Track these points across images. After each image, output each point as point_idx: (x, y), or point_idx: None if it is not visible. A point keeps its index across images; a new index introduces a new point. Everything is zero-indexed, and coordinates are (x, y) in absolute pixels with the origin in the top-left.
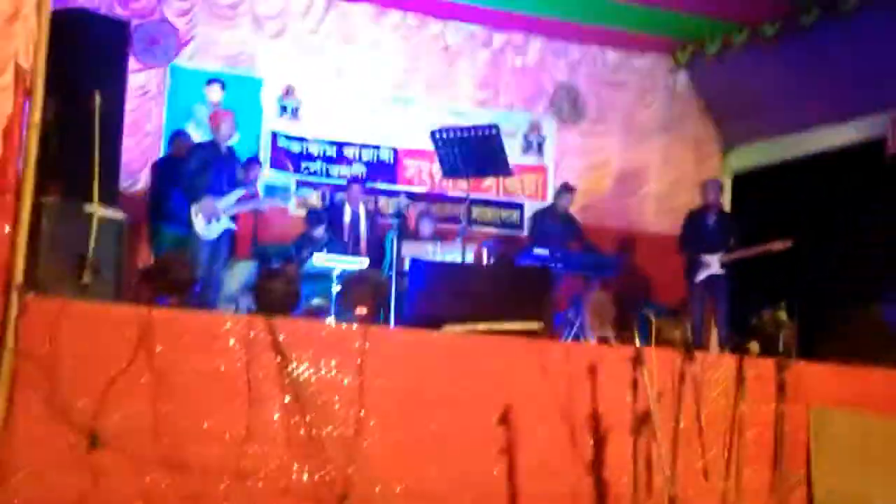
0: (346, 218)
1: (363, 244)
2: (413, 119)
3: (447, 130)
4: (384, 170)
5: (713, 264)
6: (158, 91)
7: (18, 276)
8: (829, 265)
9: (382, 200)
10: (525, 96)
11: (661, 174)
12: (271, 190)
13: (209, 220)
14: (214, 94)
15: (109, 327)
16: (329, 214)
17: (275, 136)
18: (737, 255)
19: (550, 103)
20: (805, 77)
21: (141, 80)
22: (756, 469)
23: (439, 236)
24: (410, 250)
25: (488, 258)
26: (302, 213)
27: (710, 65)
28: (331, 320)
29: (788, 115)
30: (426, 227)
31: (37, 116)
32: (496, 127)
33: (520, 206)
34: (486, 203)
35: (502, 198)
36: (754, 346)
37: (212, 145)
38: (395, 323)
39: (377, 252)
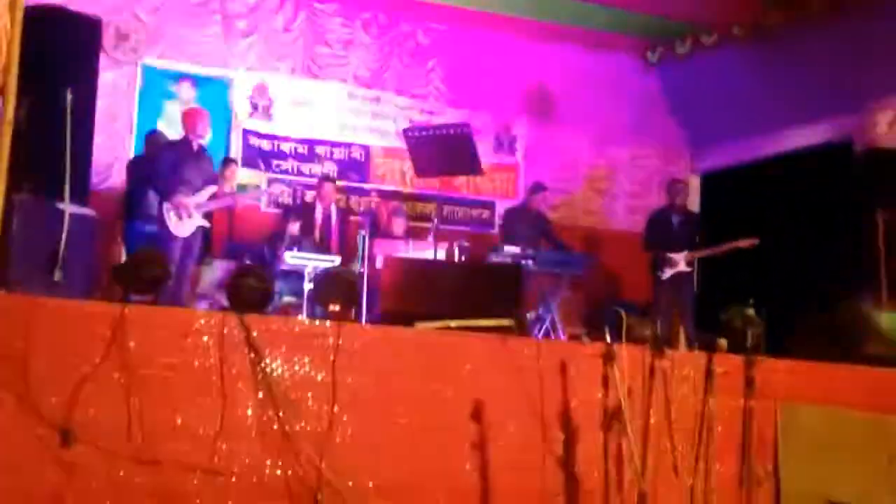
0: (318, 216)
1: (334, 242)
2: (385, 118)
3: (419, 129)
4: (355, 168)
5: (680, 262)
6: (129, 89)
7: None
8: (796, 264)
9: (354, 199)
10: (496, 96)
11: (630, 173)
12: (242, 188)
13: (181, 217)
14: (185, 92)
15: (82, 324)
16: (301, 212)
17: (246, 134)
18: (703, 253)
19: (521, 102)
20: (773, 78)
21: (111, 78)
22: (725, 464)
23: (411, 234)
24: (382, 248)
25: (460, 256)
26: (274, 210)
27: (679, 66)
28: (303, 318)
29: (757, 116)
30: (398, 226)
31: (10, 113)
32: (468, 125)
33: (491, 205)
34: (458, 202)
35: (474, 196)
36: (723, 342)
37: (184, 143)
38: (367, 320)
39: (348, 250)
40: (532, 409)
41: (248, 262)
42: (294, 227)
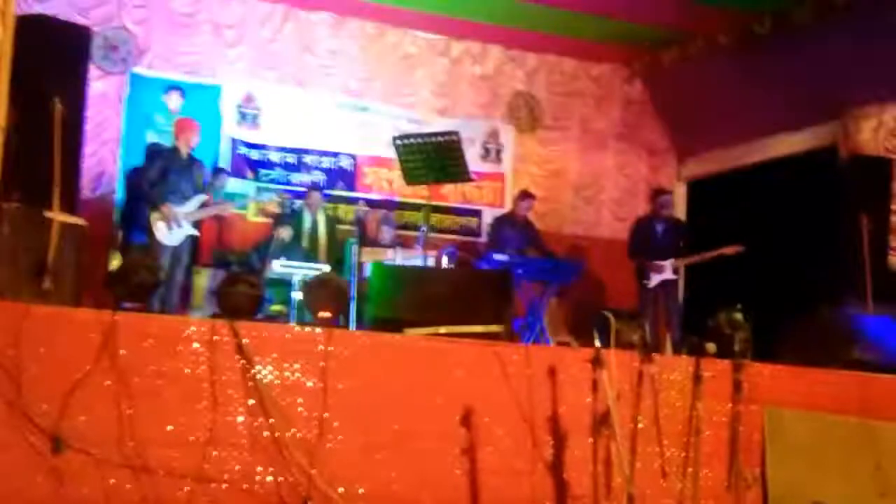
0: (306, 225)
1: (322, 251)
2: (372, 127)
3: (409, 136)
4: (343, 177)
5: (666, 269)
6: (117, 98)
7: None
8: (782, 270)
9: (342, 207)
10: (483, 104)
11: (616, 181)
12: (230, 197)
13: (170, 226)
14: (174, 101)
15: (73, 331)
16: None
17: (234, 143)
18: (689, 260)
19: (508, 111)
20: (758, 86)
21: (100, 88)
22: (712, 468)
23: (399, 243)
24: (370, 257)
25: (448, 264)
26: (261, 219)
27: (665, 74)
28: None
29: (742, 124)
30: (386, 234)
31: (1, 122)
32: (457, 133)
33: (478, 213)
34: (445, 210)
35: (461, 204)
36: (711, 346)
37: (172, 152)
38: (357, 326)
39: (337, 259)
40: (521, 415)
41: (235, 269)
42: (288, 231)
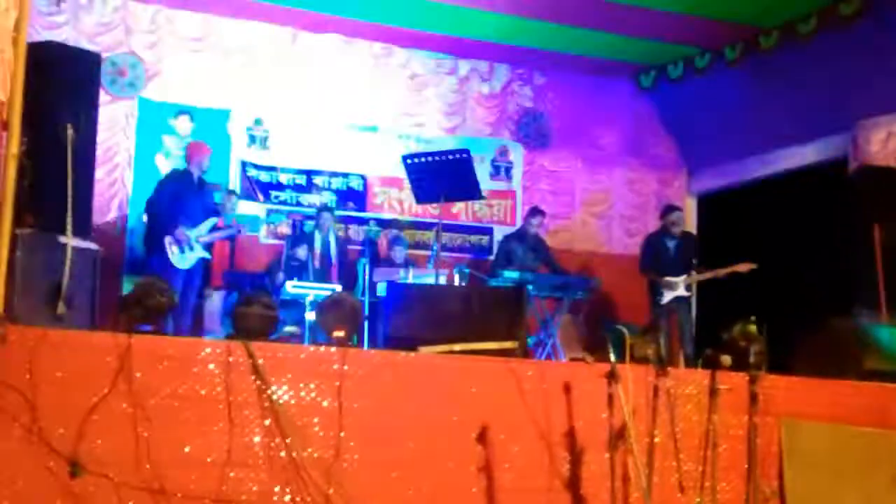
0: (317, 245)
1: (334, 271)
2: (382, 147)
3: (419, 155)
4: (354, 197)
5: (678, 286)
6: (127, 123)
7: None
8: (795, 282)
9: (353, 228)
10: (492, 123)
11: (626, 197)
12: (241, 219)
13: (182, 249)
14: (183, 125)
15: (89, 355)
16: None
17: (244, 165)
18: (702, 277)
19: (517, 129)
20: (766, 99)
21: (109, 113)
22: (730, 482)
23: (411, 262)
24: (383, 276)
25: (461, 282)
26: (273, 241)
27: (673, 88)
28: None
29: (751, 137)
30: (398, 254)
31: (14, 148)
32: (467, 151)
33: (489, 231)
34: (456, 228)
35: (472, 223)
36: (726, 359)
37: (184, 175)
38: (371, 345)
39: (349, 279)
40: (537, 431)
41: (247, 291)
42: (303, 249)
